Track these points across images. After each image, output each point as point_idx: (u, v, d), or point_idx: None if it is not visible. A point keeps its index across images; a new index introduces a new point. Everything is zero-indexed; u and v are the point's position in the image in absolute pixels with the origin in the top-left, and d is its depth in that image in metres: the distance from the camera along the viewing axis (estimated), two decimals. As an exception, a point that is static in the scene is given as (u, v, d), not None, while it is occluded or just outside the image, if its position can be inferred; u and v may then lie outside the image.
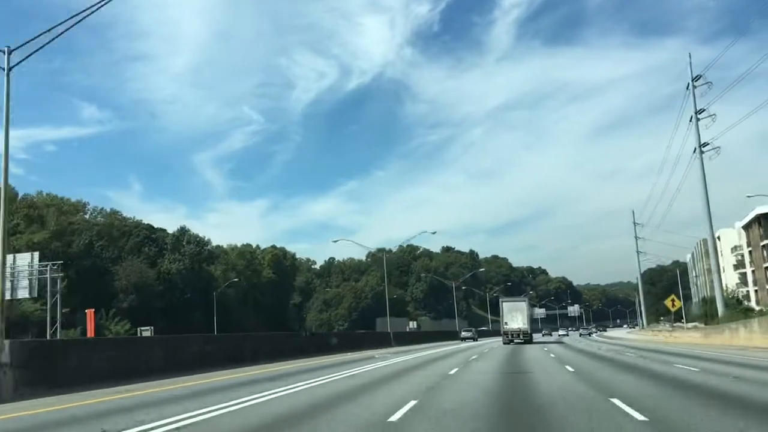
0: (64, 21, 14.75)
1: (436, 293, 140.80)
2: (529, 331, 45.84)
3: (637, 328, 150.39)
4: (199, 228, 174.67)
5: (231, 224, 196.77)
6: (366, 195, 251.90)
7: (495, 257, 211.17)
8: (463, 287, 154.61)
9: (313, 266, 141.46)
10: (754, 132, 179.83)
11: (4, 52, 14.74)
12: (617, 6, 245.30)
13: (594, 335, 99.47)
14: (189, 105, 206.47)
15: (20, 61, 14.68)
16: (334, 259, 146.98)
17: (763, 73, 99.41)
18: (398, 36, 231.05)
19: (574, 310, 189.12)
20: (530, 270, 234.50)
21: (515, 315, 45.79)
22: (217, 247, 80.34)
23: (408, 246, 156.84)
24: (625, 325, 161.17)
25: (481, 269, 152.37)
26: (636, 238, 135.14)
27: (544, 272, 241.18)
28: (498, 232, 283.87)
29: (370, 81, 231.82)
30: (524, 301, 49.99)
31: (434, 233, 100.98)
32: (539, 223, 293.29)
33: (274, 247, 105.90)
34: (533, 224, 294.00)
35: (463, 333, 70.41)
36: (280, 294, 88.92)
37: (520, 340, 44.86)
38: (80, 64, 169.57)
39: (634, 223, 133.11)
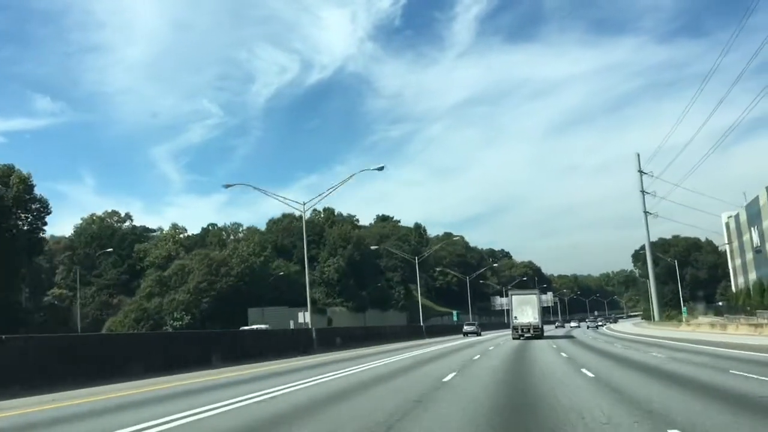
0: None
1: (359, 275, 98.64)
2: (539, 326, 44.63)
3: (639, 319, 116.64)
4: (155, 223, 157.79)
5: (188, 219, 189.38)
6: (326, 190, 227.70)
7: (448, 234, 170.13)
8: (394, 263, 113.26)
9: (181, 234, 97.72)
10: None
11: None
12: (575, 3, 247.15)
13: (602, 328, 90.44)
14: (146, 97, 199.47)
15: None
16: (214, 225, 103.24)
17: None
18: (360, 30, 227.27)
19: (546, 299, 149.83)
20: (491, 252, 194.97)
21: (525, 309, 44.60)
22: None
23: (326, 209, 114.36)
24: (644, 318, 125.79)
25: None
26: (643, 193, 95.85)
27: (507, 255, 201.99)
28: (457, 227, 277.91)
29: (331, 75, 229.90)
30: (535, 294, 48.59)
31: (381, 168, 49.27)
32: (499, 219, 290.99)
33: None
34: (493, 219, 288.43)
35: (465, 327, 68.13)
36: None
37: (530, 335, 43.42)
38: (32, 54, 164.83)
39: (641, 172, 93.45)
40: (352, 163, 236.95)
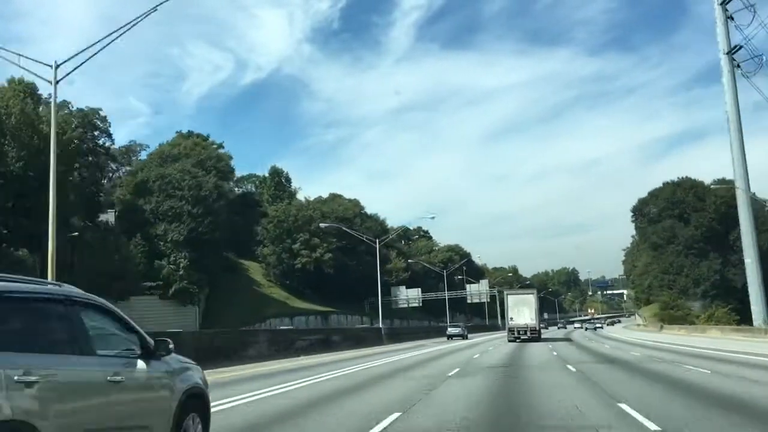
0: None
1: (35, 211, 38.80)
2: (537, 327, 42.83)
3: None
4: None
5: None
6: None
7: (335, 195, 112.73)
8: (174, 206, 55.39)
9: None
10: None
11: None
12: (511, 14, 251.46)
13: (599, 330, 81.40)
14: (69, 92, 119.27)
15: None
16: None
17: None
18: (297, 32, 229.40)
19: (478, 292, 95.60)
20: (404, 230, 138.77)
21: (522, 309, 42.47)
22: None
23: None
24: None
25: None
26: (728, 21, 41.31)
27: (426, 236, 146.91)
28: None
29: (266, 76, 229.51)
30: (532, 293, 46.33)
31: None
32: (434, 224, 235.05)
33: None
34: (428, 224, 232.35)
35: (450, 329, 59.91)
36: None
37: (526, 337, 41.37)
38: (-57, 42, 66.73)
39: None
40: (285, 165, 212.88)
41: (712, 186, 55.43)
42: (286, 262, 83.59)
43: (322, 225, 62.55)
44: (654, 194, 66.86)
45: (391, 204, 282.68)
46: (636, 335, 50.37)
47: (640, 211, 68.75)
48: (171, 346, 5.37)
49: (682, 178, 63.43)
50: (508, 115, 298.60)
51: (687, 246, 58.93)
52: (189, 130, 71.16)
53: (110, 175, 75.46)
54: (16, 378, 3.64)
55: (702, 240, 60.59)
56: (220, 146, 69.38)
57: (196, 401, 5.64)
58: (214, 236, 56.58)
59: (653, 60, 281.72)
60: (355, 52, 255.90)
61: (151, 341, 5.23)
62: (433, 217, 35.67)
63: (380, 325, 43.79)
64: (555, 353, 26.26)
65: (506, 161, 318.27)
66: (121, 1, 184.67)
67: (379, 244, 45.70)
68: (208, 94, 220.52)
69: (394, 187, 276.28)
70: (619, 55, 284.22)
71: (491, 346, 34.26)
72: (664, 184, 65.95)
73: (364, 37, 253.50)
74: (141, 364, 4.96)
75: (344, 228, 61.74)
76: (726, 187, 63.45)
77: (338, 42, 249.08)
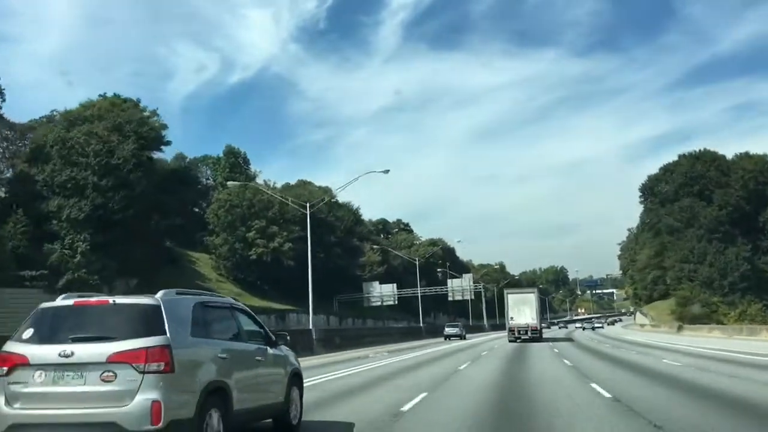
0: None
1: None
2: (538, 327, 41.65)
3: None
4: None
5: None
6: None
7: (304, 182, 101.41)
8: (74, 176, 43.78)
9: None
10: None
11: None
12: (499, 14, 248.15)
13: (600, 330, 78.82)
14: (55, 91, 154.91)
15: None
16: None
17: None
18: (284, 31, 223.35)
19: (459, 288, 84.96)
20: (382, 222, 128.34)
21: (522, 309, 41.39)
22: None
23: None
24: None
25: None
26: None
27: (407, 229, 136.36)
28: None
29: (253, 76, 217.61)
30: (533, 292, 45.81)
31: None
32: (421, 225, 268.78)
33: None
34: (414, 226, 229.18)
35: (447, 329, 57.30)
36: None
37: (527, 337, 40.40)
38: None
39: None
40: (274, 166, 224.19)
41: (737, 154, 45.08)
42: (240, 253, 72.22)
43: (229, 184, 52.04)
44: (668, 169, 55.37)
45: (379, 203, 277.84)
46: (659, 338, 40.58)
47: (650, 190, 57.68)
48: (288, 338, 8.49)
49: (701, 150, 53.17)
50: (496, 116, 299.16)
51: (710, 229, 48.49)
52: (115, 93, 59.70)
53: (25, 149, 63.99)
54: (218, 355, 6.28)
55: (728, 222, 49.99)
56: (154, 113, 57.96)
57: (297, 378, 8.54)
58: (127, 214, 45.23)
59: (641, 61, 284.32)
60: (342, 52, 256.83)
61: (272, 335, 8.07)
62: (387, 171, 31.14)
63: (310, 327, 32.18)
64: (592, 384, 13.21)
65: (494, 161, 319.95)
66: (107, 1, 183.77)
67: (310, 209, 34.64)
68: (194, 93, 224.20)
69: (382, 187, 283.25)
70: (606, 56, 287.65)
71: (470, 359, 23.91)
72: (680, 157, 54.93)
73: (352, 37, 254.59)
74: (269, 350, 7.72)
75: (256, 185, 51.20)
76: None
77: (325, 42, 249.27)
